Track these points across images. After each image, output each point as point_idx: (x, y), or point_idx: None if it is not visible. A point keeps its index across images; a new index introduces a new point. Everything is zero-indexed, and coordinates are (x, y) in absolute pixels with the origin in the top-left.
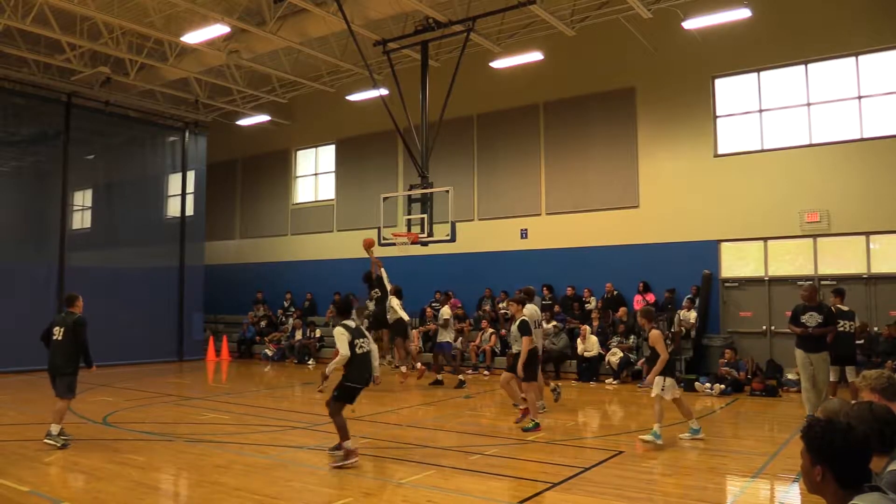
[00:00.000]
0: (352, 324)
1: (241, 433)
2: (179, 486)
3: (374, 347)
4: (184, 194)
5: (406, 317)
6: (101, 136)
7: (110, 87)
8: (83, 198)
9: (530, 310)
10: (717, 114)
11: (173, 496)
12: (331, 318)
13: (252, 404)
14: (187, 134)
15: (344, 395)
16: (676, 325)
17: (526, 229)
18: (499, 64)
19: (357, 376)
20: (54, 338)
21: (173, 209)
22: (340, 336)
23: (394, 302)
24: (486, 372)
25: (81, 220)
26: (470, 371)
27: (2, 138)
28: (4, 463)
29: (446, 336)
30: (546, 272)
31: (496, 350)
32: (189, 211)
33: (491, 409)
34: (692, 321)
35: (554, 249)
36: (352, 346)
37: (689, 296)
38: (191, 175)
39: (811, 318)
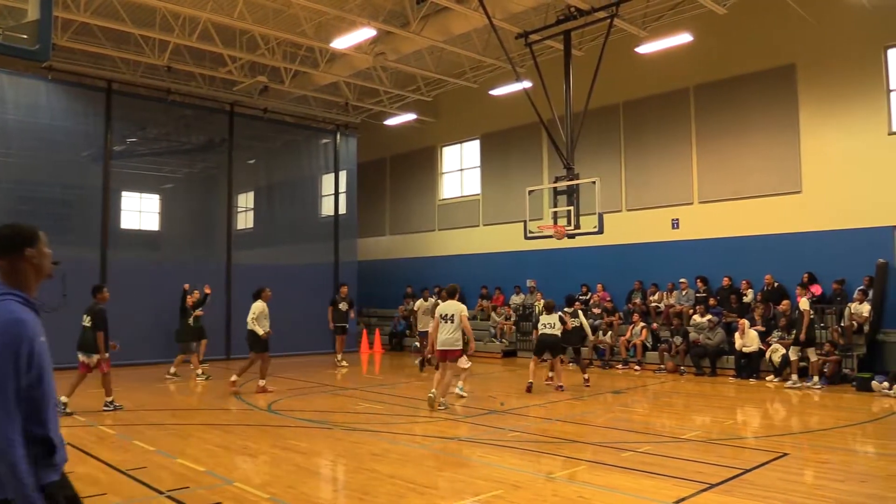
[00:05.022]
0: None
1: (393, 423)
2: (338, 472)
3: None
4: (337, 193)
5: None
6: (261, 141)
7: (267, 94)
8: (246, 200)
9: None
10: (892, 87)
11: (332, 481)
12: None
13: (404, 395)
14: (338, 136)
15: None
16: (847, 320)
17: (677, 219)
18: (645, 49)
19: None
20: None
21: (327, 208)
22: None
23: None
24: (636, 367)
25: (245, 220)
26: (620, 366)
27: (175, 147)
28: (183, 445)
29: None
30: (700, 263)
31: (647, 344)
32: (342, 209)
33: (643, 406)
34: (865, 315)
35: (708, 239)
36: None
37: (861, 287)
38: (343, 175)
39: None
